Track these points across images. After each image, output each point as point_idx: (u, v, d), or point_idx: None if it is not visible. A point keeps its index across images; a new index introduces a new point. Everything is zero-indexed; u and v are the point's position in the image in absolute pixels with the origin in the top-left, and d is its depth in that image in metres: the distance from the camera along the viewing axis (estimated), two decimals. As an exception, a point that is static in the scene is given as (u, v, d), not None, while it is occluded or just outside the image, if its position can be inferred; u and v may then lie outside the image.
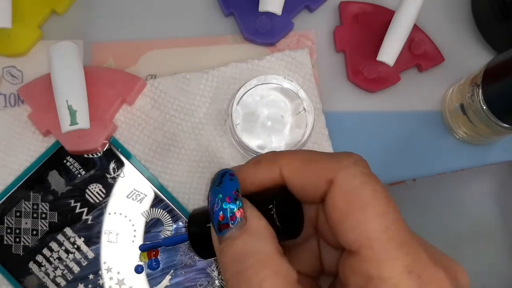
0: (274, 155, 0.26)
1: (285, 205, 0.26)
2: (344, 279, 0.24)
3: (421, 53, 0.47)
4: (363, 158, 0.25)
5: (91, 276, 0.43)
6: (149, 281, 0.43)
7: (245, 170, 0.27)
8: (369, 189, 0.23)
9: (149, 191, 0.44)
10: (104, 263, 0.43)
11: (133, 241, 0.43)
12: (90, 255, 0.43)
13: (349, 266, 0.23)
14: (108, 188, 0.44)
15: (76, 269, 0.43)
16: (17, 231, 0.43)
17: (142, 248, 0.43)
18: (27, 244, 0.43)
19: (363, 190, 0.23)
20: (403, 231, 0.23)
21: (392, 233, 0.23)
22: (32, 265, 0.43)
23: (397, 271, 0.22)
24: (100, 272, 0.43)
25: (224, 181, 0.26)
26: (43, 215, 0.43)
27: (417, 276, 0.22)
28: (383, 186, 0.24)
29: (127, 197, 0.44)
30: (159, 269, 0.43)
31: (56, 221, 0.43)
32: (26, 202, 0.43)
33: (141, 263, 0.43)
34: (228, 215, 0.25)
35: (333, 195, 0.24)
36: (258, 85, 0.39)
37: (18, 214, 0.43)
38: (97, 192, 0.44)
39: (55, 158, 0.44)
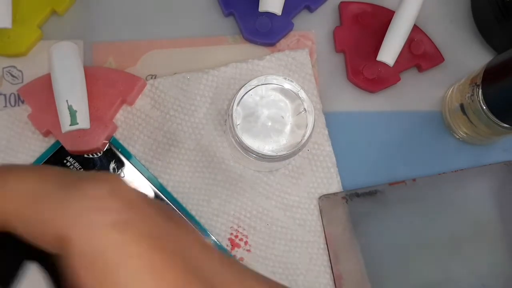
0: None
1: None
2: None
3: (421, 53, 0.47)
4: (118, 188, 0.16)
5: (91, 276, 0.43)
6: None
7: None
8: (122, 255, 0.15)
9: (149, 191, 0.44)
10: (104, 263, 0.43)
11: (133, 241, 0.43)
12: (90, 255, 0.43)
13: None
14: (108, 188, 0.44)
15: (76, 269, 0.43)
16: (17, 231, 0.43)
17: None
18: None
19: (112, 259, 0.15)
20: None
21: None
22: (32, 265, 0.43)
23: None
24: (100, 272, 0.43)
25: None
26: (43, 215, 0.43)
27: None
28: (150, 239, 0.15)
29: (127, 197, 0.44)
30: (159, 269, 0.43)
31: (56, 221, 0.43)
32: (26, 202, 0.43)
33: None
34: None
35: (71, 263, 0.16)
36: (258, 85, 0.39)
37: (18, 214, 0.43)
38: (97, 192, 0.44)
39: (55, 158, 0.44)
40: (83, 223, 0.15)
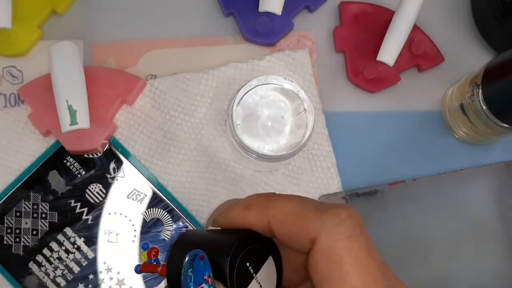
0: (265, 201, 0.26)
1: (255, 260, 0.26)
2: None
3: (421, 53, 0.47)
4: (354, 214, 0.24)
5: (91, 276, 0.43)
6: (149, 281, 0.43)
7: (234, 213, 0.27)
8: (349, 256, 0.23)
9: (149, 191, 0.44)
10: (104, 263, 0.43)
11: (133, 241, 0.43)
12: (90, 255, 0.43)
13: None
14: (108, 188, 0.44)
15: (76, 269, 0.43)
16: (17, 231, 0.43)
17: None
18: (27, 244, 0.43)
19: (342, 257, 0.23)
20: None
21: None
22: (32, 265, 0.43)
23: None
24: (100, 272, 0.43)
25: (195, 267, 0.25)
26: (43, 215, 0.43)
27: None
28: (367, 250, 0.23)
29: (127, 197, 0.44)
30: (159, 269, 0.43)
31: (56, 221, 0.43)
32: (26, 202, 0.43)
33: (141, 263, 0.43)
34: None
35: (314, 255, 0.23)
36: (258, 85, 0.39)
37: (18, 214, 0.43)
38: (97, 192, 0.44)
39: (55, 158, 0.44)
40: (329, 231, 0.23)
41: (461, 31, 0.49)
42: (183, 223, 0.44)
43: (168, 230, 0.44)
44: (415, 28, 0.46)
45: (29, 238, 0.43)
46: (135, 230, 0.44)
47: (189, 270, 0.25)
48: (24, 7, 0.46)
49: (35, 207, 0.43)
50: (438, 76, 0.48)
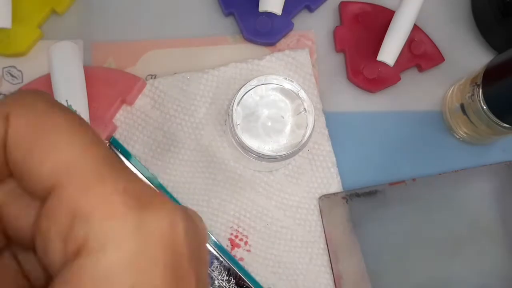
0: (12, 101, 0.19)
1: None
2: (43, 241, 0.18)
3: (421, 53, 0.47)
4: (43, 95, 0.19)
5: (91, 276, 0.43)
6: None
7: None
8: (56, 113, 0.18)
9: (149, 191, 0.44)
10: (104, 263, 0.43)
11: (133, 241, 0.43)
12: (90, 255, 0.43)
13: (47, 214, 0.18)
14: (108, 188, 0.44)
15: (76, 269, 0.43)
16: (17, 231, 0.43)
17: None
18: (27, 244, 0.43)
19: (49, 115, 0.18)
20: (106, 152, 0.19)
21: (95, 153, 0.18)
22: (32, 265, 0.43)
23: (108, 192, 0.18)
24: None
25: None
26: (43, 215, 0.43)
27: (135, 197, 0.18)
28: (72, 113, 0.19)
29: (127, 197, 0.44)
30: (159, 269, 0.43)
31: (56, 221, 0.43)
32: (26, 202, 0.43)
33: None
34: None
35: (12, 131, 0.18)
36: (258, 85, 0.39)
37: (18, 214, 0.43)
38: (97, 192, 0.44)
39: (55, 158, 0.44)
40: (25, 103, 0.19)
41: (461, 31, 0.49)
42: (183, 223, 0.44)
43: (168, 230, 0.44)
44: (415, 28, 0.46)
45: (29, 238, 0.43)
46: (135, 230, 0.44)
47: None
48: (24, 7, 0.46)
49: (35, 207, 0.43)
50: (438, 76, 0.48)
